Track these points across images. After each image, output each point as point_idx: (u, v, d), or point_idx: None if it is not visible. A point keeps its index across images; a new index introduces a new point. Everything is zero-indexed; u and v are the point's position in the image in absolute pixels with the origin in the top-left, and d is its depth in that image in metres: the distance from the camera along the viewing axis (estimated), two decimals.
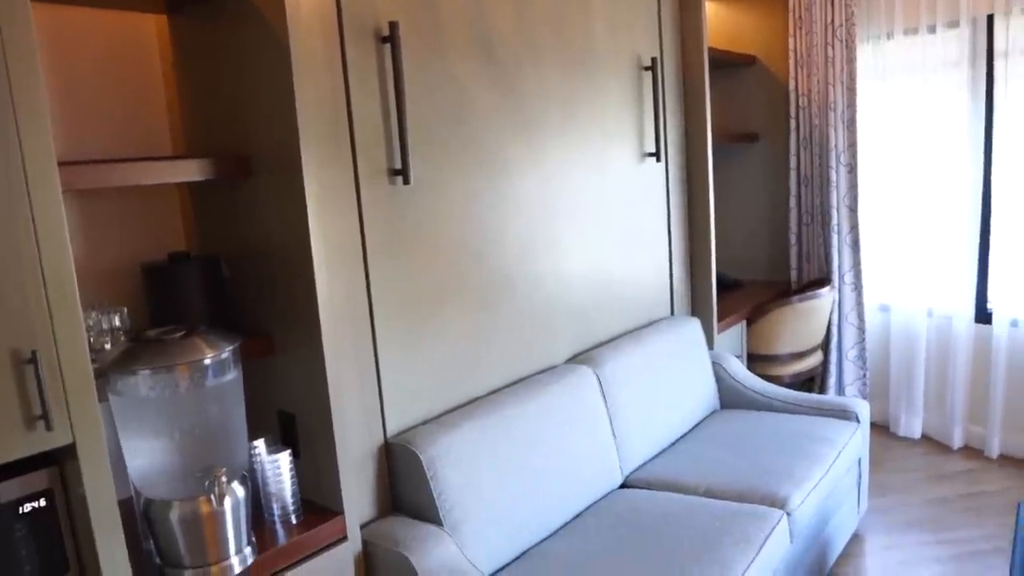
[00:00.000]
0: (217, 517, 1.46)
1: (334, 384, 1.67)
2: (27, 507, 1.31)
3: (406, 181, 1.88)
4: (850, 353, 3.64)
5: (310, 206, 1.61)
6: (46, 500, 1.33)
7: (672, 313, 3.11)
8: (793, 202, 3.69)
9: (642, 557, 1.96)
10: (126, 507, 1.49)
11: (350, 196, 1.80)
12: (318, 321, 1.63)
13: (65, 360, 1.24)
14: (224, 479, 1.40)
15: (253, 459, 1.68)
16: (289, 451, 1.67)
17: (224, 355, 1.43)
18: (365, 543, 1.77)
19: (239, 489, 1.50)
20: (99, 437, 1.30)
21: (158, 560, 1.50)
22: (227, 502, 1.46)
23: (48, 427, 1.22)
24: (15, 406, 1.20)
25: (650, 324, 2.93)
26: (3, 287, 1.18)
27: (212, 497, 1.41)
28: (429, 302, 1.99)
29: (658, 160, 2.91)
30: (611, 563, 1.95)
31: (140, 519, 1.52)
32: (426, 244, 1.97)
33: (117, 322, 1.59)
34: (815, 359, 3.55)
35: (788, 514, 2.20)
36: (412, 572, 1.70)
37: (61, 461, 1.33)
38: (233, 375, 1.47)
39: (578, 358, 2.54)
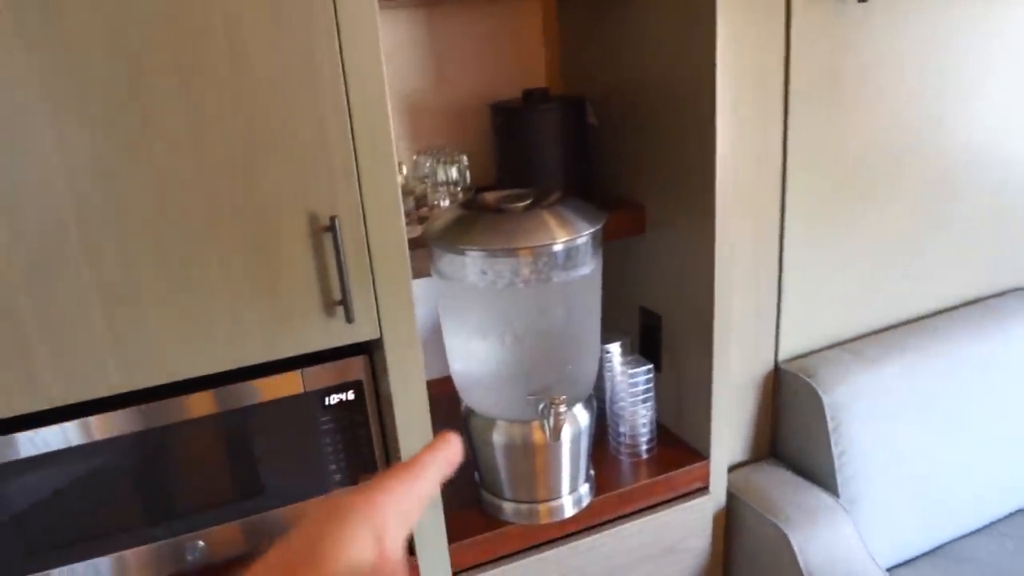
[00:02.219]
0: (550, 451, 1.11)
1: (722, 280, 1.18)
2: (333, 399, 1.06)
3: None
4: None
5: (720, 28, 1.07)
6: (355, 393, 1.07)
7: None
8: None
9: None
10: (445, 387, 1.20)
11: (775, 17, 1.22)
12: (713, 192, 1.13)
13: (374, 231, 0.91)
14: (563, 409, 1.02)
15: (602, 364, 1.29)
16: (651, 366, 1.25)
17: (581, 240, 1.01)
18: (730, 497, 1.33)
19: (582, 416, 1.13)
20: (412, 334, 0.98)
21: (476, 476, 1.21)
22: (565, 434, 1.10)
23: (348, 318, 0.92)
24: (312, 286, 0.91)
25: None
26: (294, 123, 0.85)
27: (546, 428, 1.05)
28: (863, 178, 1.38)
29: None
30: None
31: (462, 421, 1.23)
32: (871, 97, 1.33)
33: (455, 173, 1.24)
34: None
35: None
36: (790, 554, 1.23)
37: (372, 350, 1.05)
38: (590, 268, 1.05)
39: None
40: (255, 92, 0.82)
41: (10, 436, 0.91)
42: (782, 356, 1.40)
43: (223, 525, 1.06)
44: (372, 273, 0.92)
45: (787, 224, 1.32)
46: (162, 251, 0.84)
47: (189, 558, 1.06)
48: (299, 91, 0.84)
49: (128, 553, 1.03)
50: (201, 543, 1.06)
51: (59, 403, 0.85)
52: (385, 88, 0.86)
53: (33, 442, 0.92)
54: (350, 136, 0.87)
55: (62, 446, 0.94)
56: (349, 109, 0.86)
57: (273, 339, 0.91)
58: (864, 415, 1.33)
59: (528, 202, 1.03)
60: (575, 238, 0.99)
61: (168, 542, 1.04)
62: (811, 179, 1.32)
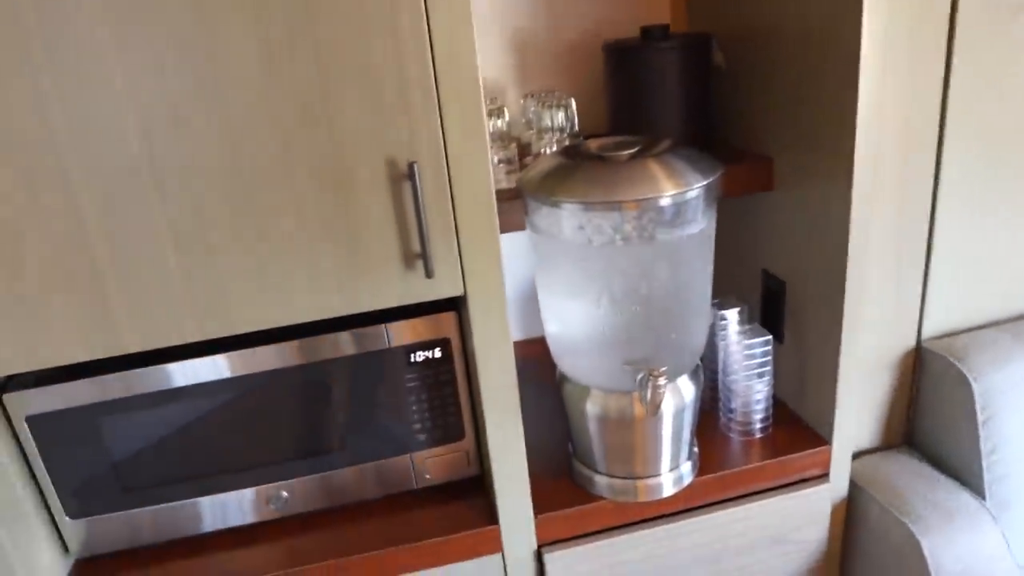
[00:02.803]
0: (648, 425, 1.02)
1: (858, 246, 1.03)
2: (419, 356, 1.01)
3: None
4: None
5: None
6: (441, 351, 1.01)
7: None
8: None
9: None
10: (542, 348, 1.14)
11: None
12: (852, 145, 0.97)
13: (458, 179, 0.84)
14: (662, 382, 0.93)
15: (716, 332, 1.17)
16: (769, 336, 1.13)
17: (691, 194, 0.89)
18: (853, 487, 1.20)
19: (687, 389, 1.02)
20: (498, 293, 0.90)
21: (569, 445, 1.14)
22: (666, 408, 1.00)
23: (428, 273, 0.85)
24: (391, 238, 0.84)
25: None
26: (371, 59, 0.77)
27: (644, 401, 0.96)
28: None
29: None
30: None
31: (555, 386, 1.16)
32: None
33: (562, 119, 1.15)
34: None
35: None
36: (919, 559, 1.09)
37: (460, 306, 0.99)
38: (701, 226, 0.94)
39: None
40: (328, 25, 0.76)
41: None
42: (926, 333, 1.23)
43: (306, 477, 1.04)
44: (456, 225, 0.85)
45: (942, 181, 1.14)
46: (234, 196, 0.79)
47: (272, 507, 1.05)
48: (376, 24, 0.76)
49: (216, 497, 1.03)
50: (285, 494, 1.05)
51: (134, 350, 0.84)
52: (471, 20, 0.78)
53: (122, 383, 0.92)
54: (432, 75, 0.79)
55: (153, 389, 0.94)
56: (431, 44, 0.78)
57: (349, 292, 0.86)
58: (1023, 407, 1.15)
59: (634, 150, 0.93)
60: (684, 191, 0.88)
61: (257, 489, 1.04)
62: (977, 128, 1.13)
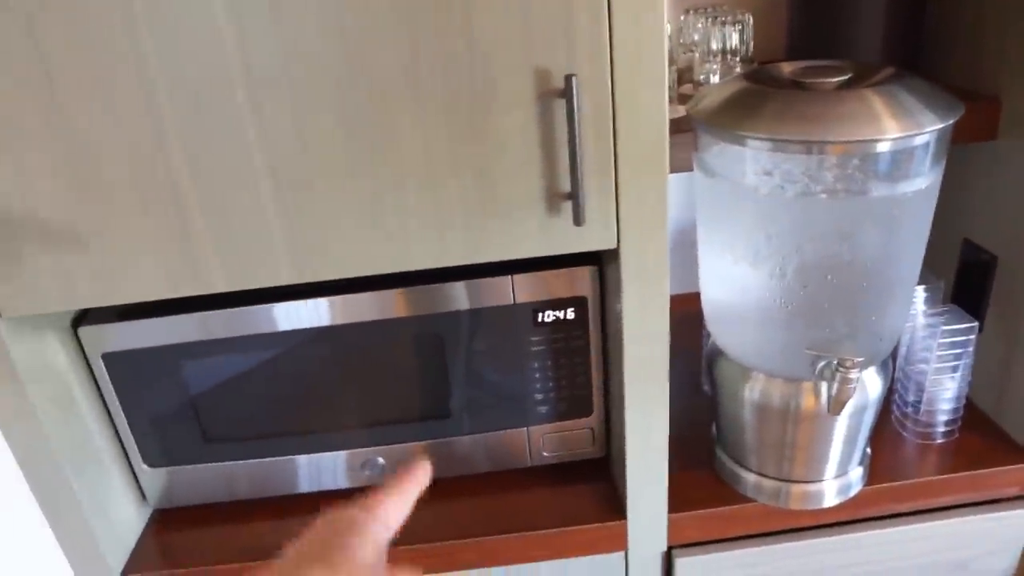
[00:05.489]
0: (820, 424, 0.83)
1: None
2: (548, 316, 0.85)
3: None
4: None
5: None
6: (575, 312, 0.85)
7: None
8: None
9: None
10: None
11: None
12: None
13: (624, 102, 0.65)
14: (854, 375, 0.73)
15: None
16: (975, 323, 0.91)
17: (923, 138, 0.68)
18: None
19: (873, 384, 0.83)
20: (660, 251, 0.72)
21: (713, 430, 0.96)
22: (849, 406, 0.81)
23: (577, 219, 0.68)
24: (532, 171, 0.67)
25: None
26: None
27: (824, 396, 0.77)
28: None
29: None
30: None
31: (704, 361, 0.98)
32: None
33: (736, 39, 0.94)
34: None
35: None
36: None
37: (603, 260, 0.81)
38: (927, 181, 0.72)
39: None
40: None
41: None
42: None
43: (407, 444, 0.91)
44: (615, 161, 0.67)
45: None
46: (346, 112, 0.64)
47: (367, 473, 0.93)
48: None
49: (305, 458, 0.91)
50: (381, 460, 0.92)
51: (220, 289, 0.70)
52: None
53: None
54: None
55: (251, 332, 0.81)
56: None
57: (475, 238, 0.70)
58: None
59: (846, 77, 0.72)
60: (914, 134, 0.67)
61: (351, 452, 0.91)
62: None
